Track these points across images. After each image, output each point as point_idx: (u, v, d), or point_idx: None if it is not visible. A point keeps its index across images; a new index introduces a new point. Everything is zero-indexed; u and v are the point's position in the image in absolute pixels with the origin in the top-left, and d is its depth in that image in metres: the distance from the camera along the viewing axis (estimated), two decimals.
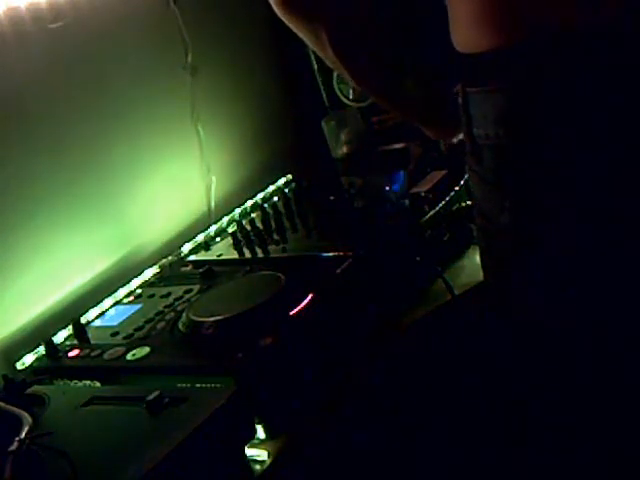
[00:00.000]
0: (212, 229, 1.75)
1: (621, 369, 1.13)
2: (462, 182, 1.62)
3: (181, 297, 1.44)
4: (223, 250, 1.63)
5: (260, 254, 1.56)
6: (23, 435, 0.99)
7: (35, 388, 1.23)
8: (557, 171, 1.09)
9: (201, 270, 1.50)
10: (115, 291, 1.55)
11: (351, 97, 1.95)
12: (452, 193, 1.59)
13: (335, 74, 1.95)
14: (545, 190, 1.10)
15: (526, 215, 1.13)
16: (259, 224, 1.64)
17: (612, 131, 1.05)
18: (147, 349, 1.28)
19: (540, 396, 1.24)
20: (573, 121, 1.07)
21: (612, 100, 1.04)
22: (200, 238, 1.72)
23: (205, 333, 1.26)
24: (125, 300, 1.52)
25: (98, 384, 1.28)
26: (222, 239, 1.69)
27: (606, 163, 1.06)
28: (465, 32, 1.13)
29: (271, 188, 1.90)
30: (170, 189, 1.78)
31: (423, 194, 1.58)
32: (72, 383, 1.31)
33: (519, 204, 1.13)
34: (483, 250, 1.27)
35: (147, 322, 1.38)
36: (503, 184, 1.14)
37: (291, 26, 1.30)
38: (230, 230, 1.67)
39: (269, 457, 1.15)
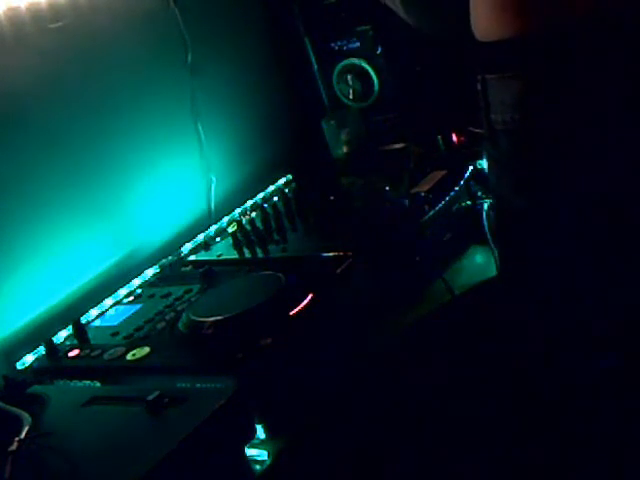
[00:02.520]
0: (212, 229, 1.75)
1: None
2: (462, 182, 1.62)
3: (181, 297, 1.44)
4: (223, 250, 1.63)
5: (260, 254, 1.56)
6: (23, 435, 0.99)
7: (35, 388, 1.23)
8: (569, 155, 1.11)
9: (201, 270, 1.50)
10: (115, 291, 1.55)
11: (351, 97, 1.95)
12: (452, 193, 1.59)
13: (335, 74, 1.95)
14: (558, 173, 1.12)
15: (540, 198, 1.15)
16: (259, 224, 1.64)
17: (621, 118, 1.07)
18: (147, 349, 1.28)
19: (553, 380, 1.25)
20: (586, 108, 1.09)
21: (624, 89, 1.06)
22: (200, 238, 1.72)
23: (205, 333, 1.26)
24: (125, 300, 1.52)
25: (98, 384, 1.28)
26: (222, 239, 1.69)
27: (615, 149, 1.09)
28: (485, 21, 1.17)
29: (271, 188, 1.90)
30: (170, 189, 1.78)
31: (423, 194, 1.59)
32: (72, 383, 1.31)
33: (534, 187, 1.14)
34: (499, 232, 1.29)
35: (147, 322, 1.38)
36: (518, 168, 1.16)
37: None
38: (230, 230, 1.67)
39: (269, 457, 1.15)
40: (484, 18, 1.17)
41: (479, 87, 1.20)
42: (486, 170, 1.35)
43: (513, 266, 1.27)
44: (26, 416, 1.05)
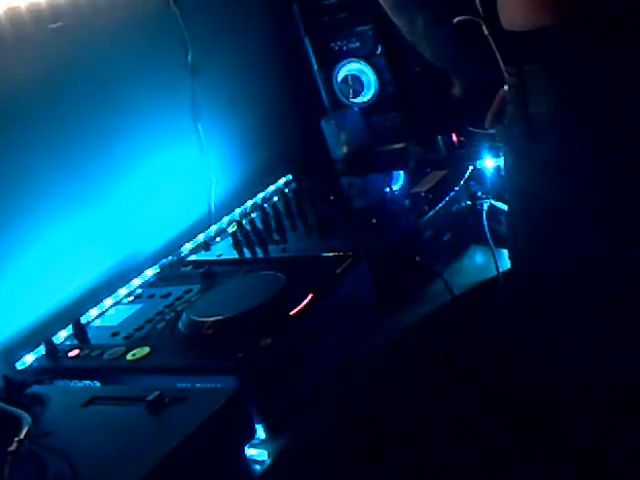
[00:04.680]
0: (212, 229, 1.75)
1: None
2: (462, 182, 1.62)
3: (181, 297, 1.44)
4: (223, 250, 1.63)
5: (260, 254, 1.56)
6: (23, 435, 0.99)
7: (35, 388, 1.23)
8: (615, 149, 1.09)
9: (201, 270, 1.50)
10: (115, 291, 1.55)
11: (351, 97, 1.95)
12: (452, 193, 1.59)
13: (335, 74, 1.95)
14: (606, 169, 1.10)
15: (586, 195, 1.12)
16: (259, 224, 1.64)
17: None
18: (147, 349, 1.28)
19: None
20: (632, 102, 1.06)
21: None
22: (200, 238, 1.72)
23: (205, 333, 1.26)
24: (125, 300, 1.52)
25: (98, 384, 1.28)
26: (222, 239, 1.69)
27: None
28: (523, 8, 1.12)
29: (271, 188, 1.90)
30: (170, 189, 1.78)
31: (423, 194, 1.59)
32: (72, 383, 1.31)
33: (579, 183, 1.12)
34: (521, 232, 1.25)
35: (147, 322, 1.38)
36: (562, 163, 1.13)
37: None
38: (230, 230, 1.67)
39: (269, 457, 1.15)
40: (518, 5, 1.12)
41: (515, 80, 1.15)
42: (508, 166, 1.28)
43: (542, 267, 1.23)
44: (26, 416, 1.05)
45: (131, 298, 1.52)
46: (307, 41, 1.97)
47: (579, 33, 1.07)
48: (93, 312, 1.50)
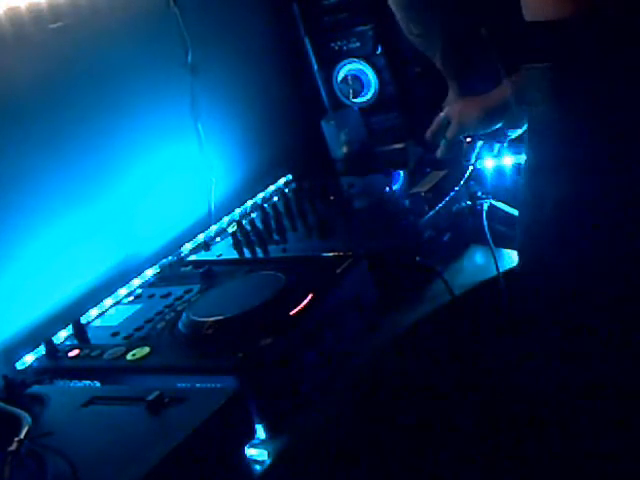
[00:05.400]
0: (212, 229, 1.75)
1: None
2: (462, 182, 1.62)
3: (181, 297, 1.44)
4: (223, 250, 1.63)
5: (260, 254, 1.56)
6: (23, 435, 0.99)
7: (35, 388, 1.23)
8: (632, 146, 1.09)
9: (201, 270, 1.50)
10: (115, 291, 1.55)
11: (351, 97, 1.95)
12: (452, 193, 1.59)
13: (335, 74, 1.95)
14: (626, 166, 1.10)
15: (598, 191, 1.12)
16: (259, 224, 1.64)
17: None
18: (147, 349, 1.28)
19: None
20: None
21: None
22: (200, 238, 1.72)
23: (205, 333, 1.26)
24: (125, 300, 1.52)
25: (98, 384, 1.28)
26: (222, 239, 1.69)
27: None
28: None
29: (271, 188, 1.90)
30: (170, 189, 1.78)
31: (423, 194, 1.59)
32: (72, 383, 1.31)
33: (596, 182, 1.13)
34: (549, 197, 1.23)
35: (147, 322, 1.38)
36: (586, 161, 1.13)
37: None
38: (230, 230, 1.67)
39: (269, 457, 1.15)
40: None
41: (549, 74, 1.11)
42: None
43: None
44: (26, 416, 1.05)
45: (131, 298, 1.52)
46: (307, 41, 1.97)
47: (596, 25, 1.05)
48: (93, 312, 1.50)
